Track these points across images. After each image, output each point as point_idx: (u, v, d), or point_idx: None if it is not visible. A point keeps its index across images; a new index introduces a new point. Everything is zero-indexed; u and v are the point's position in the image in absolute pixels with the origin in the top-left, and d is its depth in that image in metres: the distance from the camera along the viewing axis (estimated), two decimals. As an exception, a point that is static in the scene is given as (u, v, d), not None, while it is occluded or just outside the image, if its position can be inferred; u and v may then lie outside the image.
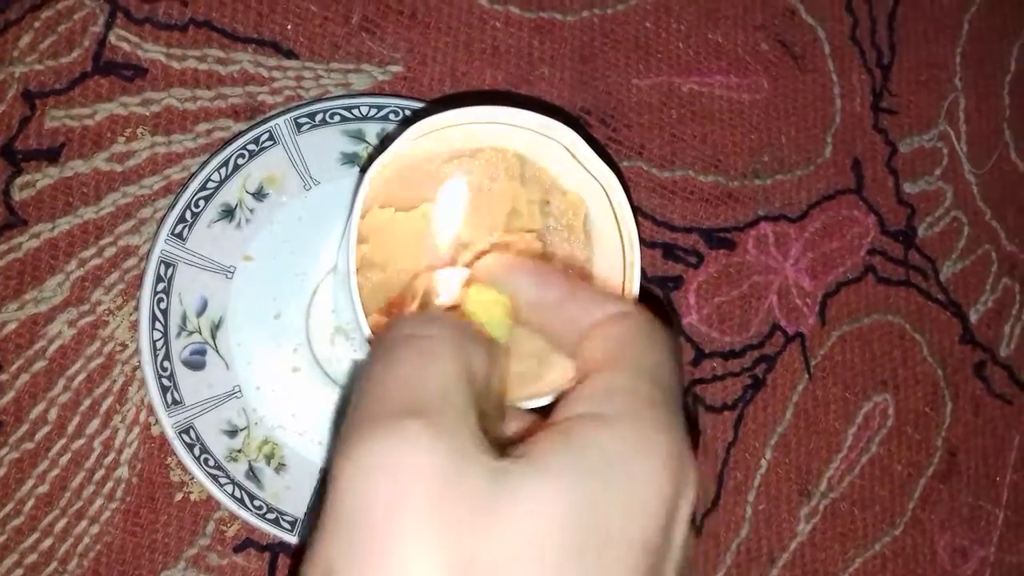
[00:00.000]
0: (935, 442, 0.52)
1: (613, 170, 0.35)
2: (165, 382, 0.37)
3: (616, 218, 0.35)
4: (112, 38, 0.40)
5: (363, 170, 0.41)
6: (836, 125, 0.51)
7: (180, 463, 0.38)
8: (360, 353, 0.34)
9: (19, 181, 0.39)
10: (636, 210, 0.35)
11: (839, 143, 0.51)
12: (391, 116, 0.41)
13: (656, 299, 0.48)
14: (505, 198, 0.36)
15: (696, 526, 0.47)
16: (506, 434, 0.27)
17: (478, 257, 0.35)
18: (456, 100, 0.45)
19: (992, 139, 0.55)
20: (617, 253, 0.35)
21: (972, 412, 0.53)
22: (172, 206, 0.38)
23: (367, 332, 0.31)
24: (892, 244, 0.52)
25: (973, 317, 0.53)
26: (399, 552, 0.20)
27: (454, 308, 0.31)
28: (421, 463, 0.20)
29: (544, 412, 0.27)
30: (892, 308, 0.52)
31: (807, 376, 0.49)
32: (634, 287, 0.34)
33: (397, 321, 0.26)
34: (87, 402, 0.39)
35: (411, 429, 0.21)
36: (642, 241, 0.46)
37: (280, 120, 0.39)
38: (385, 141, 0.41)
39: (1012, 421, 0.54)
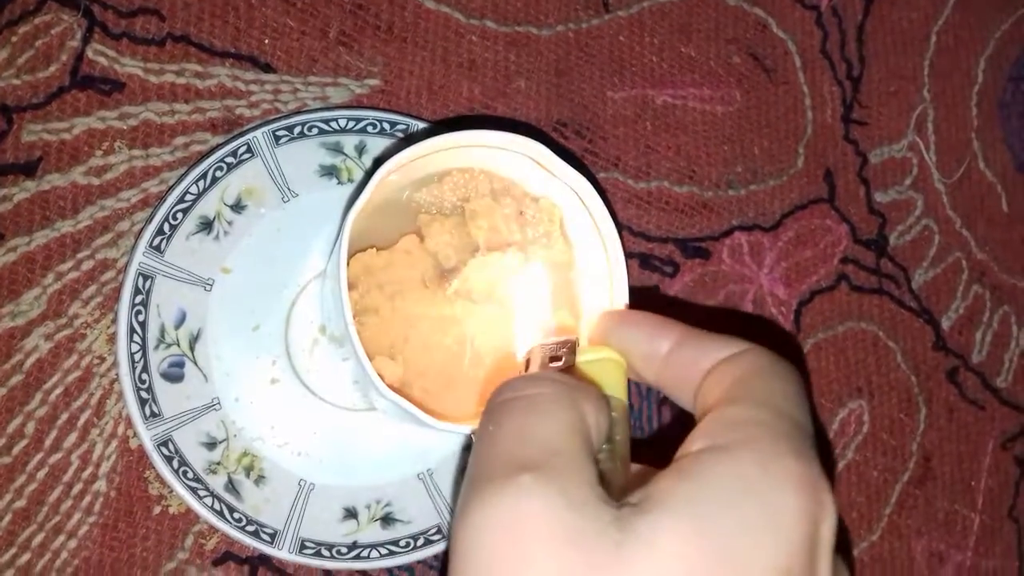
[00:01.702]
0: (910, 448, 0.53)
1: (591, 179, 0.36)
2: (143, 395, 0.37)
3: (593, 219, 0.36)
4: (89, 52, 0.40)
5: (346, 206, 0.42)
6: (808, 136, 0.52)
7: (159, 476, 0.38)
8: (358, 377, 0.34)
9: (-4, 195, 0.39)
10: (613, 221, 0.36)
11: (811, 154, 0.52)
12: (369, 128, 0.41)
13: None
14: (480, 216, 0.36)
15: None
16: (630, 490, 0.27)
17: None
18: (434, 120, 0.45)
19: (961, 149, 0.56)
20: (599, 253, 0.36)
21: (946, 418, 0.54)
22: (150, 219, 0.38)
23: (376, 380, 0.31)
24: (864, 253, 0.53)
25: (945, 324, 0.54)
26: None
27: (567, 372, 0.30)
28: (538, 514, 0.20)
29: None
30: (866, 316, 0.52)
31: (783, 383, 0.50)
32: (622, 282, 0.35)
33: (502, 385, 0.26)
34: (64, 416, 0.38)
35: (524, 483, 0.21)
36: (622, 248, 0.46)
37: (258, 132, 0.39)
38: (363, 155, 0.42)
39: (985, 426, 0.55)
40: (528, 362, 0.31)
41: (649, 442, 0.47)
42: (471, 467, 0.23)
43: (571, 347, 0.30)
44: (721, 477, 0.21)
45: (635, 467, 0.27)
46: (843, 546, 0.48)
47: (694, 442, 0.23)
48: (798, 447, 0.22)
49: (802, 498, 0.21)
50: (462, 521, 0.21)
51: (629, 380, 0.30)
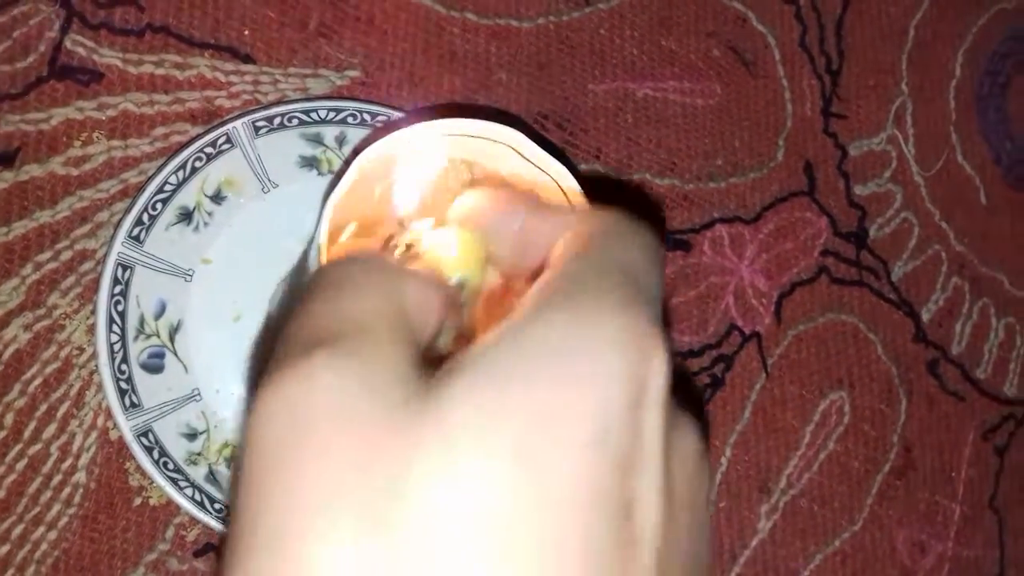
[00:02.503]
0: (891, 439, 0.53)
1: (573, 170, 0.36)
2: (123, 385, 0.37)
3: (573, 208, 0.36)
4: (68, 43, 0.40)
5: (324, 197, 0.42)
6: (788, 129, 0.52)
7: (139, 467, 0.38)
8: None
9: (-27, 186, 0.38)
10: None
11: (791, 147, 0.52)
12: (349, 119, 0.41)
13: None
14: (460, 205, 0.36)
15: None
16: None
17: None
18: (414, 110, 0.45)
19: (939, 142, 0.57)
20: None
21: (926, 409, 0.54)
22: (129, 209, 0.38)
23: None
24: (844, 245, 0.53)
25: (925, 316, 0.55)
26: (299, 500, 0.17)
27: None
28: (325, 392, 0.18)
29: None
30: (846, 308, 0.53)
31: (765, 375, 0.50)
32: None
33: (324, 265, 0.23)
34: (44, 407, 0.38)
35: (317, 359, 0.18)
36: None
37: (238, 123, 0.39)
38: (343, 147, 0.42)
39: (965, 417, 0.55)
40: (385, 246, 0.30)
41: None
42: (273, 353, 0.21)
43: (420, 231, 0.29)
44: (531, 339, 0.19)
45: None
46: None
47: (522, 301, 0.21)
48: (624, 299, 0.20)
49: (621, 353, 0.19)
50: (252, 407, 0.19)
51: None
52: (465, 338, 0.26)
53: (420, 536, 0.17)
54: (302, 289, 0.23)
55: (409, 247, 0.29)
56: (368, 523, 0.17)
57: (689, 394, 0.48)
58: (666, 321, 0.48)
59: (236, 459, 0.19)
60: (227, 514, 0.38)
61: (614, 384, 0.18)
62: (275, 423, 0.18)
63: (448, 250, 0.28)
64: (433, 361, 0.21)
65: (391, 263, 0.24)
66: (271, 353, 0.20)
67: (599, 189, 0.48)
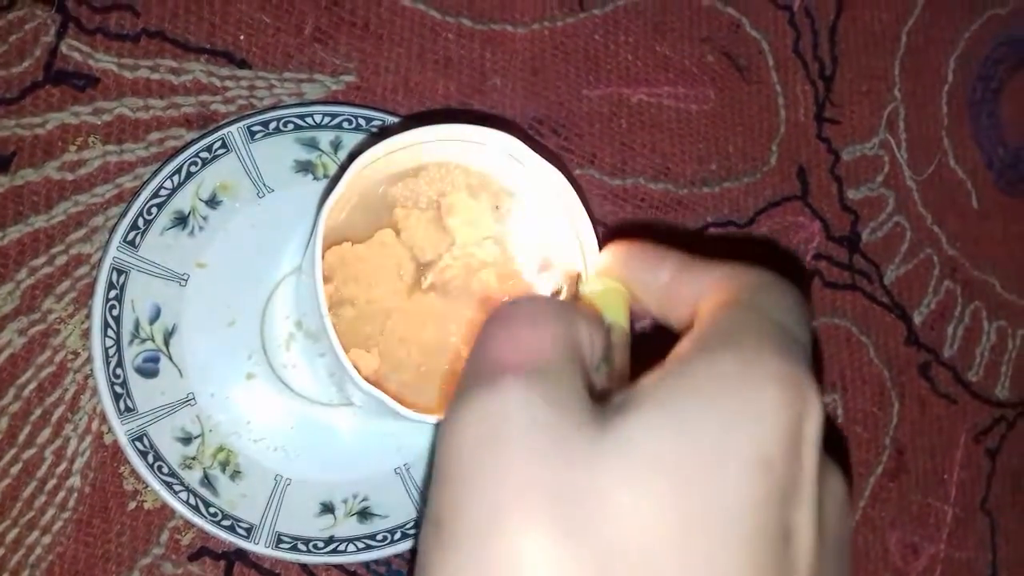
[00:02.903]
0: (883, 441, 0.53)
1: (566, 174, 0.36)
2: (118, 390, 0.37)
3: (568, 212, 0.36)
4: (63, 48, 0.40)
5: (319, 204, 0.42)
6: (781, 134, 0.53)
7: (133, 471, 0.38)
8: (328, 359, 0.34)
9: (-32, 190, 0.38)
10: (589, 215, 0.36)
11: (784, 151, 0.53)
12: (345, 124, 0.41)
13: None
14: (456, 210, 0.37)
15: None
16: None
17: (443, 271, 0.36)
18: (410, 115, 0.45)
19: (931, 147, 0.57)
20: (573, 244, 0.36)
21: (919, 411, 0.54)
22: (124, 213, 0.38)
23: (352, 372, 0.31)
24: (837, 249, 0.53)
25: (917, 319, 0.55)
26: (500, 499, 0.19)
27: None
28: (516, 412, 0.20)
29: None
30: (839, 311, 0.53)
31: (758, 378, 0.50)
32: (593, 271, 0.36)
33: (498, 308, 0.25)
34: (38, 411, 0.38)
35: (506, 382, 0.21)
36: (597, 243, 0.47)
37: (233, 128, 0.39)
38: (339, 151, 0.42)
39: (957, 420, 0.56)
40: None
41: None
42: (461, 377, 0.23)
43: (574, 279, 0.31)
44: (701, 375, 0.21)
45: None
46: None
47: (681, 345, 0.23)
48: (782, 347, 0.22)
49: (783, 392, 0.20)
50: (444, 426, 0.21)
51: (633, 314, 0.30)
52: (615, 378, 0.27)
53: (607, 542, 0.19)
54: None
55: (563, 291, 0.31)
56: (562, 522, 0.19)
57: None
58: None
59: (434, 462, 0.21)
60: (222, 518, 0.38)
61: (777, 418, 0.20)
62: (472, 432, 0.20)
63: (602, 296, 0.30)
64: (592, 392, 0.24)
65: (564, 302, 0.27)
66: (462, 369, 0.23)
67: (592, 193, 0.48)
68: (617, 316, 0.29)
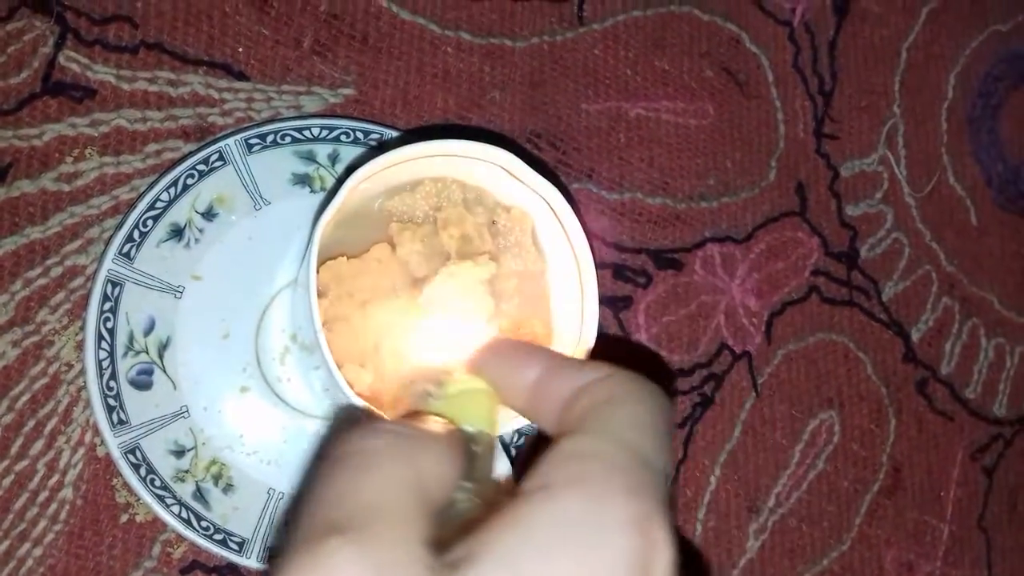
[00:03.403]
0: (880, 458, 0.53)
1: (563, 192, 0.36)
2: (111, 402, 0.37)
3: (564, 229, 0.36)
4: (62, 59, 0.40)
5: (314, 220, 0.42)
6: (780, 150, 0.53)
7: (126, 484, 0.38)
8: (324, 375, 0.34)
9: (-35, 201, 0.38)
10: (585, 231, 0.36)
11: (783, 167, 0.53)
12: (342, 137, 0.41)
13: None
14: (452, 225, 0.37)
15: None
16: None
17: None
18: (407, 129, 0.45)
19: (930, 163, 0.57)
20: (570, 262, 0.36)
21: (916, 428, 0.54)
22: (120, 225, 0.38)
23: (345, 388, 0.31)
24: (835, 265, 0.53)
25: (915, 336, 0.55)
26: None
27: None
28: None
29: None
30: (836, 327, 0.53)
31: (754, 394, 0.50)
32: (592, 292, 0.35)
33: (341, 437, 0.24)
34: (31, 423, 0.38)
35: (331, 546, 0.19)
36: (593, 259, 0.47)
37: (230, 140, 0.39)
38: (336, 164, 0.42)
39: (954, 437, 0.55)
40: (405, 391, 0.31)
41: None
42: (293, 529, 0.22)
43: (440, 381, 0.30)
44: (544, 522, 0.20)
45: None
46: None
47: (534, 476, 0.22)
48: (632, 482, 0.21)
49: (628, 538, 0.20)
50: None
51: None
52: (482, 493, 0.26)
53: None
54: (328, 445, 0.24)
55: (428, 392, 0.30)
56: None
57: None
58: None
59: None
60: (214, 532, 0.38)
61: (621, 568, 0.19)
62: None
63: (464, 401, 0.29)
64: (447, 523, 0.23)
65: (409, 430, 0.25)
66: (293, 522, 0.22)
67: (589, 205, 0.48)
68: (481, 422, 0.28)
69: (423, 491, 0.22)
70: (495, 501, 0.24)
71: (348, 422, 0.32)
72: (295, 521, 0.21)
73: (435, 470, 0.23)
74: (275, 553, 0.39)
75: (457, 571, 0.19)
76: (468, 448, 0.27)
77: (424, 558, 0.20)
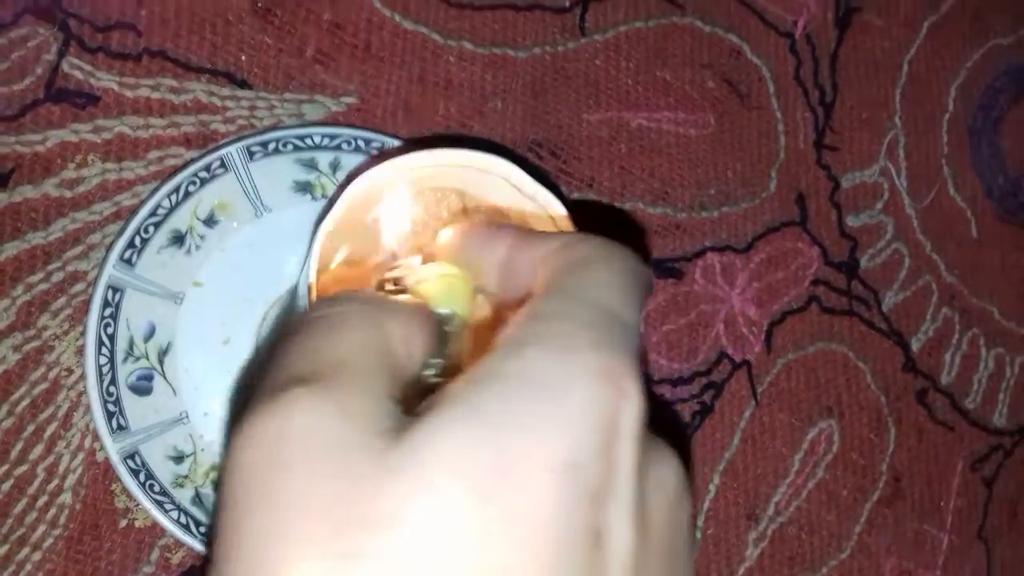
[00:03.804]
0: (880, 467, 0.53)
1: (563, 201, 0.36)
2: (111, 407, 0.37)
3: (557, 233, 0.36)
4: (65, 66, 0.40)
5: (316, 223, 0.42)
6: (780, 160, 0.53)
7: (125, 489, 0.38)
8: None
9: (-32, 206, 0.39)
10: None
11: (783, 178, 0.53)
12: (344, 146, 0.42)
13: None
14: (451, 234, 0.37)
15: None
16: None
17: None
18: (409, 138, 0.45)
19: (931, 175, 0.57)
20: None
21: (915, 438, 0.54)
22: (121, 232, 0.38)
23: None
24: (836, 275, 0.53)
25: (915, 346, 0.55)
26: (274, 527, 0.18)
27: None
28: (303, 427, 0.19)
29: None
30: (836, 337, 0.53)
31: (754, 403, 0.50)
32: None
33: (313, 303, 0.24)
34: (31, 428, 0.38)
35: (294, 394, 0.19)
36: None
37: (232, 148, 0.40)
38: (337, 172, 0.42)
39: (954, 447, 0.55)
40: (375, 279, 0.31)
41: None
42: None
43: (408, 269, 0.30)
44: (507, 375, 0.19)
45: None
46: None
47: (497, 339, 0.21)
48: (599, 336, 0.20)
49: (593, 387, 0.19)
50: (232, 440, 0.19)
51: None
52: (454, 372, 0.26)
53: (391, 561, 0.17)
54: (292, 320, 0.24)
55: (398, 282, 0.29)
56: (338, 551, 0.17)
57: (671, 424, 0.48)
58: (644, 354, 0.48)
59: (218, 488, 0.20)
60: (210, 541, 0.38)
61: (585, 419, 0.19)
62: (253, 455, 0.19)
63: (436, 284, 0.29)
64: (422, 394, 0.22)
65: (378, 298, 0.24)
66: (256, 384, 0.21)
67: (592, 216, 0.48)
68: (454, 304, 0.28)
69: (391, 355, 0.22)
70: None
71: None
72: (258, 383, 0.21)
73: (404, 336, 0.23)
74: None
75: (419, 419, 0.19)
76: (440, 328, 0.26)
77: (387, 407, 0.20)
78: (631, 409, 0.20)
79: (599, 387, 0.19)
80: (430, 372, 0.25)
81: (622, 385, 0.20)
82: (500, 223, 0.30)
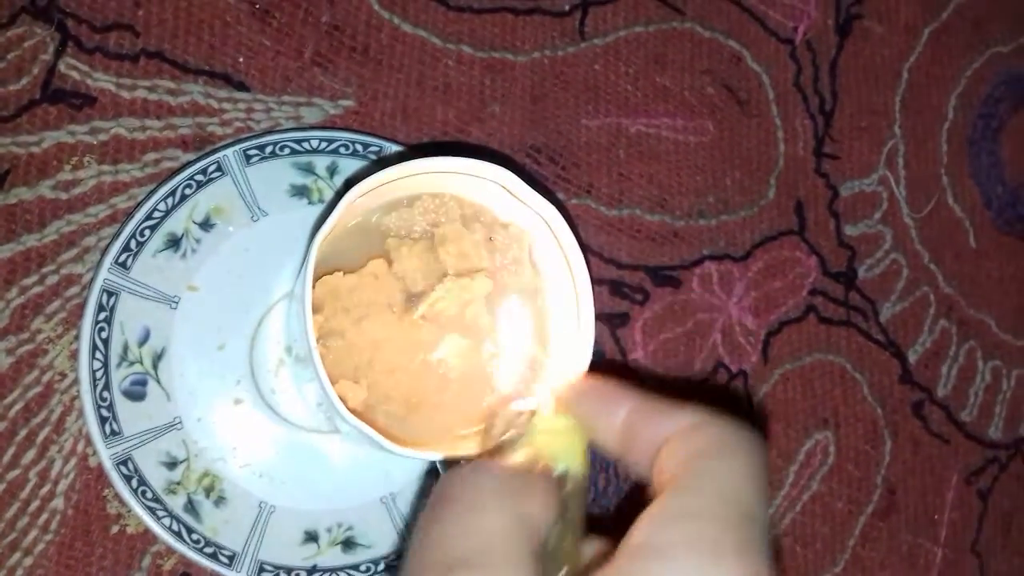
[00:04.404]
0: (875, 480, 0.53)
1: (560, 208, 0.36)
2: (104, 412, 0.37)
3: (561, 247, 0.36)
4: (62, 67, 0.40)
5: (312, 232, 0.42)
6: (779, 168, 0.53)
7: (117, 495, 0.38)
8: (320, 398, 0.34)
9: (-39, 207, 0.38)
10: (583, 247, 0.36)
11: (782, 186, 0.53)
12: (341, 150, 0.41)
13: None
14: (449, 241, 0.36)
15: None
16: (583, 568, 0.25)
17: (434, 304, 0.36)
18: (407, 143, 0.45)
19: (930, 185, 0.57)
20: (567, 280, 0.36)
21: (911, 451, 0.54)
22: (117, 235, 0.38)
23: (338, 404, 0.31)
24: (833, 285, 0.53)
25: (912, 358, 0.55)
26: None
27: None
28: None
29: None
30: (833, 348, 0.53)
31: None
32: (589, 310, 0.35)
33: (445, 475, 0.25)
34: (23, 432, 0.38)
35: None
36: (589, 278, 0.47)
37: (229, 151, 0.39)
38: (335, 176, 0.42)
39: (949, 460, 0.55)
40: (487, 428, 0.31)
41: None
42: (406, 561, 0.23)
43: (530, 416, 0.30)
44: None
45: (590, 544, 0.27)
46: None
47: (636, 535, 0.22)
48: (741, 540, 0.21)
49: None
50: None
51: (592, 451, 0.29)
52: (571, 533, 0.26)
53: None
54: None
55: (514, 432, 0.30)
56: None
57: None
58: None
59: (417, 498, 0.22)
60: (204, 545, 0.38)
61: None
62: None
63: (557, 440, 0.29)
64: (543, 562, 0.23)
65: (508, 473, 0.25)
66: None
67: (586, 224, 0.48)
68: (572, 461, 0.28)
69: (529, 532, 0.23)
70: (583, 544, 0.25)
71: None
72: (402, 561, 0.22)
73: (539, 509, 0.24)
74: None
75: None
76: (561, 489, 0.27)
77: None
78: None
79: None
80: (552, 536, 0.25)
81: None
82: (621, 385, 0.30)
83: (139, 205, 0.39)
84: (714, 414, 0.25)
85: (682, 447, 0.24)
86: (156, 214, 0.38)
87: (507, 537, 0.22)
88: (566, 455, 0.28)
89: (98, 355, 0.37)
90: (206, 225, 0.40)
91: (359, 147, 0.42)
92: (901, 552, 0.53)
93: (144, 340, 0.38)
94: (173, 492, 0.38)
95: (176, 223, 0.39)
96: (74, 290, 0.39)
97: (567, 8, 0.49)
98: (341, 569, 0.40)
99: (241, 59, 0.42)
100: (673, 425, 0.25)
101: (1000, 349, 0.57)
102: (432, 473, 0.41)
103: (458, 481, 0.24)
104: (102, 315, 0.37)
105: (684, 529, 0.21)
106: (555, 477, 0.27)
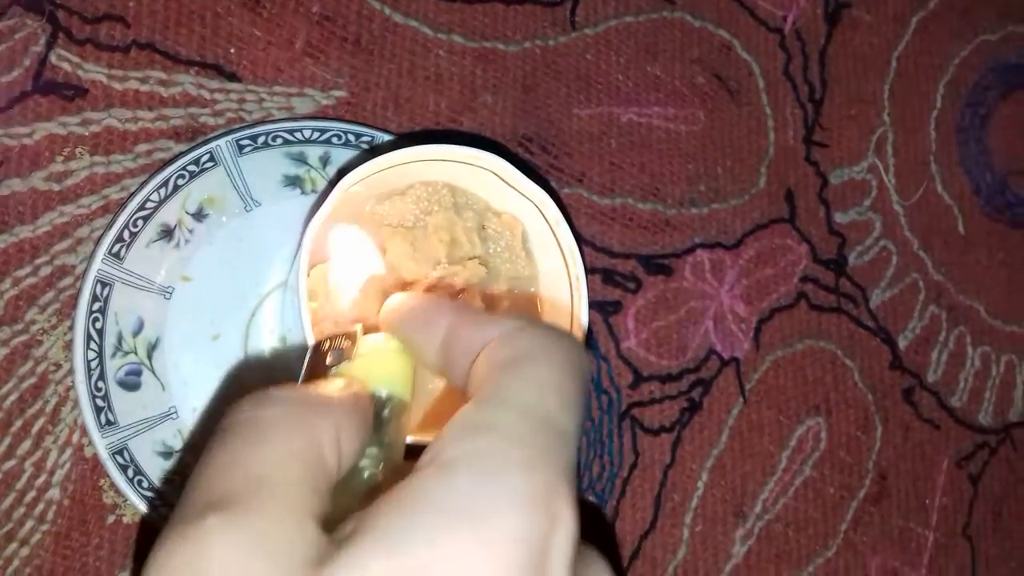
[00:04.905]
0: (866, 465, 0.53)
1: (553, 197, 0.36)
2: (99, 402, 0.37)
3: (554, 234, 0.36)
4: (53, 58, 0.40)
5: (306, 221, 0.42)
6: (770, 157, 0.53)
7: (113, 485, 0.38)
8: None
9: (-47, 199, 0.38)
10: (576, 236, 0.36)
11: (773, 174, 0.53)
12: (334, 140, 0.41)
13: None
14: (442, 229, 0.37)
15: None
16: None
17: (429, 289, 0.36)
18: (399, 132, 0.45)
19: (919, 172, 0.57)
20: (560, 268, 0.36)
21: (902, 436, 0.55)
22: (110, 225, 0.38)
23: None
24: (824, 272, 0.53)
25: (902, 343, 0.55)
26: None
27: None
28: (219, 563, 0.18)
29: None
30: (824, 334, 0.53)
31: (742, 400, 0.51)
32: (582, 297, 0.35)
33: (236, 403, 0.23)
34: (19, 422, 0.38)
35: (209, 525, 0.18)
36: (583, 265, 0.47)
37: (222, 141, 0.39)
38: (327, 166, 0.42)
39: (940, 445, 0.56)
40: (307, 359, 0.29)
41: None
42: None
43: (352, 339, 0.28)
44: (433, 501, 0.19)
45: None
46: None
47: (427, 452, 0.20)
48: (532, 454, 0.20)
49: (524, 516, 0.19)
50: (147, 565, 0.19)
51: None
52: (392, 456, 0.25)
53: None
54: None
55: (340, 351, 0.28)
56: None
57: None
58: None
59: None
60: None
61: (516, 547, 0.18)
62: None
63: (375, 361, 0.27)
64: (352, 491, 0.22)
65: (308, 396, 0.23)
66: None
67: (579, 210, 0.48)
68: (394, 384, 0.27)
69: (320, 462, 0.21)
70: (404, 468, 0.23)
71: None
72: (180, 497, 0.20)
73: (335, 439, 0.22)
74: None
75: (340, 551, 0.18)
76: (378, 412, 0.25)
77: (311, 535, 0.19)
78: (562, 535, 0.19)
79: (529, 515, 0.19)
80: (365, 463, 0.24)
81: (553, 509, 0.19)
82: (441, 298, 0.28)
83: (132, 196, 0.39)
84: (528, 323, 0.24)
85: (492, 356, 0.23)
86: (149, 205, 0.38)
87: (289, 467, 0.20)
88: (389, 378, 0.27)
89: (92, 345, 0.37)
90: (199, 215, 0.40)
91: (351, 137, 0.42)
92: (893, 536, 0.54)
93: (138, 330, 0.38)
94: (169, 481, 0.38)
95: (169, 213, 0.39)
96: (68, 281, 0.39)
97: (558, -2, 0.49)
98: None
99: (232, 50, 0.43)
100: (487, 334, 0.24)
101: (989, 335, 0.58)
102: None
103: (243, 408, 0.22)
104: (96, 306, 0.37)
105: (471, 444, 0.20)
106: (372, 399, 0.25)
